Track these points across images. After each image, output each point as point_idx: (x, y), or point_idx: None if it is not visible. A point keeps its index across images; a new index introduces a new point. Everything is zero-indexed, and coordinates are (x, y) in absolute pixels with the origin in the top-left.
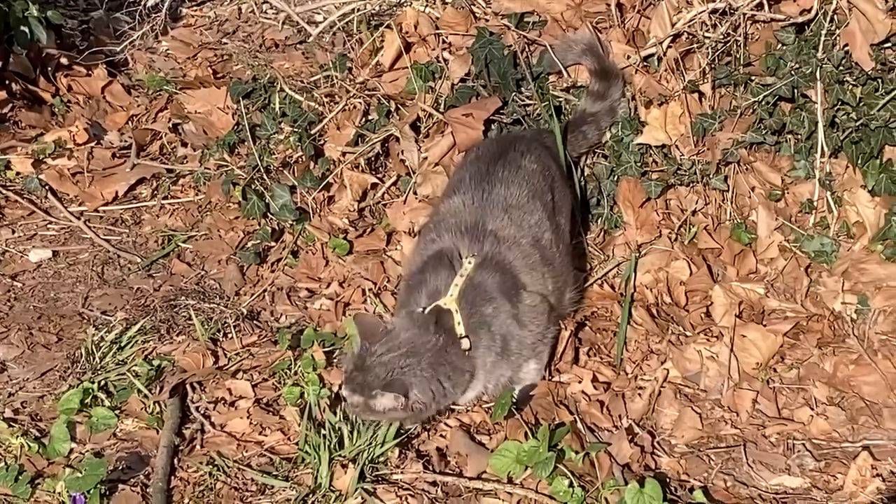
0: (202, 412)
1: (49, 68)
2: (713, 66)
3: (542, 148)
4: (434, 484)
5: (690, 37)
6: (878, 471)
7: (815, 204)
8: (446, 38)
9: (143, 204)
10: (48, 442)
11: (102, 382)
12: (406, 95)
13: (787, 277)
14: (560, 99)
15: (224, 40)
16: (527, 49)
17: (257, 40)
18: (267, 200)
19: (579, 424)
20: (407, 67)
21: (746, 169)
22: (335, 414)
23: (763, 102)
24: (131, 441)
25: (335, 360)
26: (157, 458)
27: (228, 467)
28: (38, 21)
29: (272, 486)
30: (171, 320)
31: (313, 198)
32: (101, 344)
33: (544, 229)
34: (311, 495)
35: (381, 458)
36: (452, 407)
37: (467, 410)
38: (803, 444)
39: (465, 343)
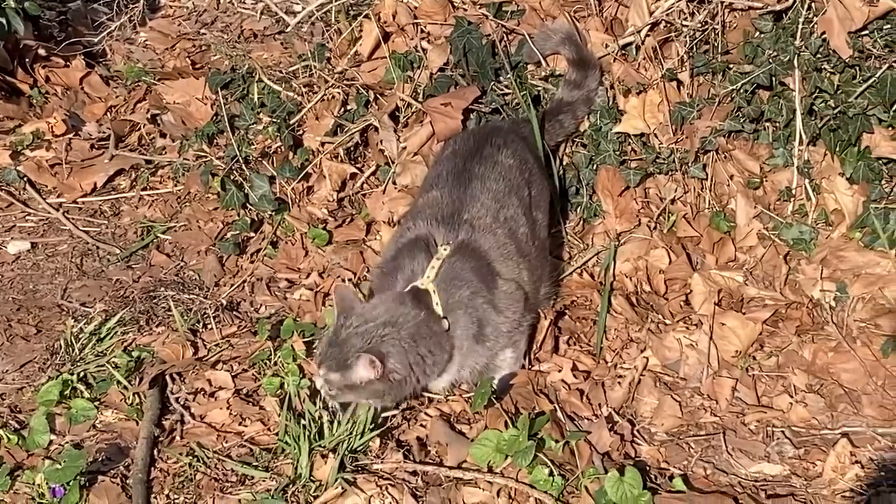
0: (182, 403)
1: (27, 59)
2: (691, 54)
3: (519, 140)
4: (414, 473)
5: (668, 25)
6: (857, 458)
7: (793, 192)
8: (424, 27)
9: (122, 195)
10: (27, 434)
11: (82, 374)
12: (385, 85)
13: (766, 265)
14: (538, 88)
15: (202, 31)
16: (505, 38)
17: (235, 31)
18: (246, 191)
19: (559, 413)
20: (385, 57)
21: (725, 157)
22: (315, 404)
23: (741, 90)
24: (111, 432)
25: (315, 351)
26: (137, 450)
27: (208, 458)
28: (16, 12)
29: (252, 477)
30: (151, 311)
31: (292, 188)
32: (81, 335)
33: (520, 224)
34: (291, 486)
35: (362, 448)
36: (431, 396)
37: (447, 399)
38: (782, 432)
39: (444, 324)
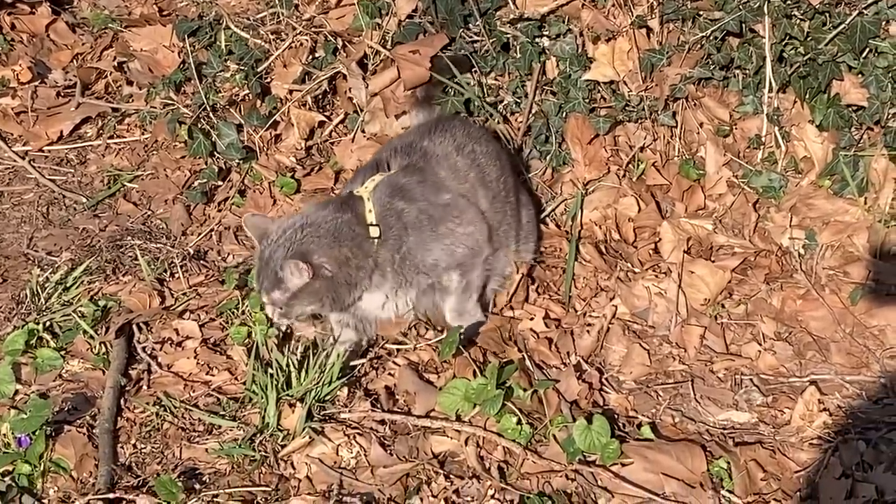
0: (148, 353)
1: None
2: (661, 1)
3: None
4: (382, 422)
5: None
6: (825, 405)
7: (763, 139)
8: None
9: (89, 143)
10: None
11: (48, 323)
12: (353, 32)
13: (736, 213)
14: (508, 35)
15: None
16: None
17: None
18: (213, 139)
19: (528, 362)
20: (353, 4)
21: (694, 104)
22: (283, 353)
23: (711, 37)
24: (77, 382)
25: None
26: (104, 399)
27: (175, 408)
28: None
29: (219, 426)
30: (117, 260)
31: (260, 136)
32: (47, 284)
33: (492, 164)
34: (258, 435)
35: (329, 397)
36: (398, 346)
37: (415, 348)
38: (751, 380)
39: (375, 231)
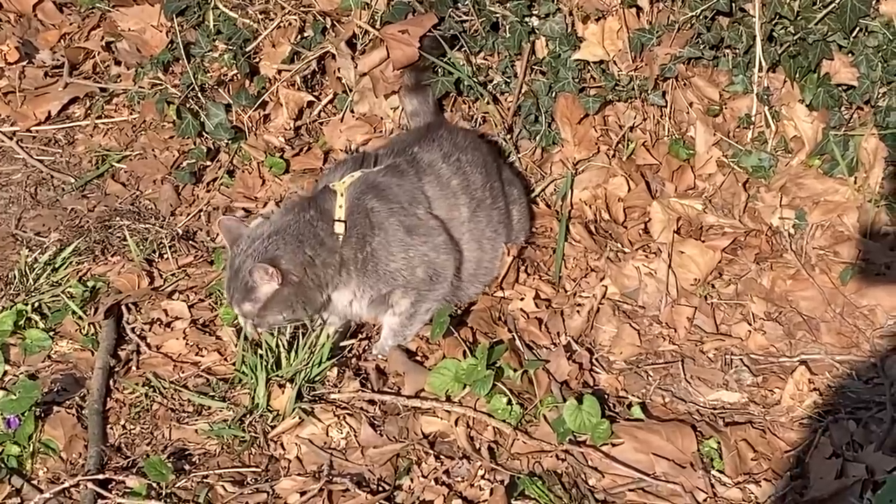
0: (138, 333)
1: None
2: None
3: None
4: (372, 402)
5: None
6: (815, 385)
7: (753, 119)
8: None
9: (77, 124)
10: None
11: (36, 304)
12: (342, 12)
13: (726, 193)
14: (497, 15)
15: None
16: None
17: None
18: (202, 119)
19: (518, 342)
20: None
21: (684, 84)
22: (272, 334)
23: (701, 17)
24: (66, 363)
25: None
26: (93, 380)
27: (164, 388)
28: None
29: (209, 407)
30: (106, 241)
31: (249, 116)
32: (35, 265)
33: (478, 172)
34: (248, 416)
35: (319, 378)
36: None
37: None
38: (741, 360)
39: (339, 227)
